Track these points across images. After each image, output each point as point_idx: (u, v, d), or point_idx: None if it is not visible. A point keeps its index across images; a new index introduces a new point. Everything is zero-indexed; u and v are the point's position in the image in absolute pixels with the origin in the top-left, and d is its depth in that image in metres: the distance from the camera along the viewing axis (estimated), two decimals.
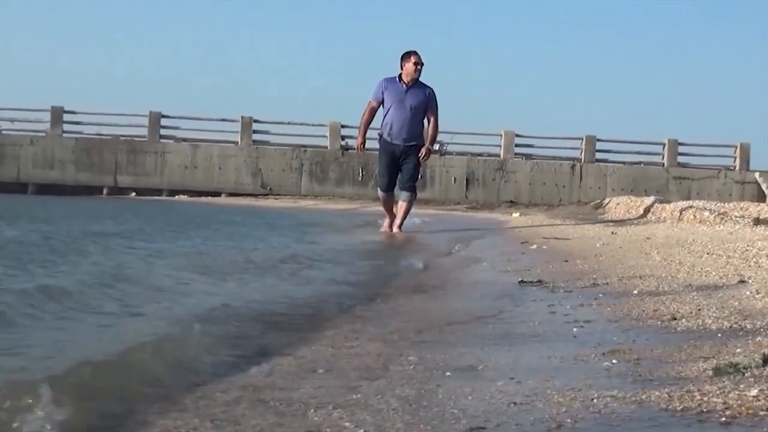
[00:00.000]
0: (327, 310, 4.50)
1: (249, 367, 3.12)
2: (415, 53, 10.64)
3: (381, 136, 10.84)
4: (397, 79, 10.68)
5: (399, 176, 10.84)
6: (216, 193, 27.26)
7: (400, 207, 10.92)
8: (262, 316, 4.13)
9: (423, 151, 10.71)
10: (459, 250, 8.98)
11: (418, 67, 10.59)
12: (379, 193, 11.21)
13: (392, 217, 10.98)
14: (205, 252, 7.29)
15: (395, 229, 10.86)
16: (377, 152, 11.12)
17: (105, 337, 3.46)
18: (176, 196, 26.94)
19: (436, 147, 11.09)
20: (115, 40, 58.47)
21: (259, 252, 7.52)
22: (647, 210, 13.04)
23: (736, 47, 60.79)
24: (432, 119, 10.76)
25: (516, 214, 16.78)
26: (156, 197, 26.50)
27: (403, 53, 10.74)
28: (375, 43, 59.05)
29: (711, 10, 60.38)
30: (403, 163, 10.76)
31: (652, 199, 14.19)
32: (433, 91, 10.76)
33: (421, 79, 10.69)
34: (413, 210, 11.57)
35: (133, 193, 27.28)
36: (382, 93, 10.70)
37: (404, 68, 10.67)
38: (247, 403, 2.59)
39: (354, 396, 2.69)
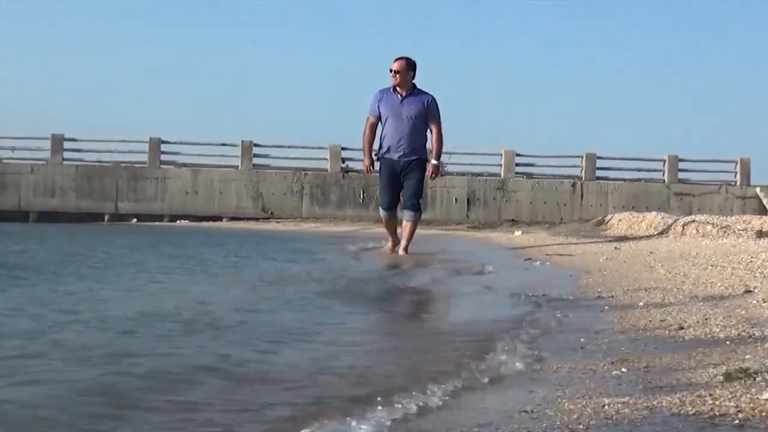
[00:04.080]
0: None
1: None
2: (397, 60, 9.86)
3: (379, 154, 9.95)
4: (392, 90, 9.88)
5: (401, 193, 9.98)
6: (217, 218, 27.19)
7: (405, 227, 9.98)
8: None
9: (429, 168, 9.92)
10: (464, 269, 8.94)
11: (394, 74, 9.79)
12: (381, 212, 10.30)
13: (394, 239, 10.16)
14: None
15: (401, 252, 9.90)
16: (378, 173, 10.22)
17: None
18: (177, 222, 26.90)
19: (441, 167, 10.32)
20: (112, 65, 58.49)
21: None
22: (651, 226, 13.03)
23: (735, 62, 60.86)
24: (434, 130, 9.89)
25: (518, 233, 16.72)
26: (157, 223, 26.47)
27: None
28: (375, 64, 59.10)
29: (710, 26, 60.51)
30: (405, 180, 9.91)
31: (654, 214, 14.18)
32: (433, 98, 9.89)
33: (422, 88, 9.94)
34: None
35: (134, 220, 27.23)
36: (378, 106, 9.91)
37: None
38: None
39: None
